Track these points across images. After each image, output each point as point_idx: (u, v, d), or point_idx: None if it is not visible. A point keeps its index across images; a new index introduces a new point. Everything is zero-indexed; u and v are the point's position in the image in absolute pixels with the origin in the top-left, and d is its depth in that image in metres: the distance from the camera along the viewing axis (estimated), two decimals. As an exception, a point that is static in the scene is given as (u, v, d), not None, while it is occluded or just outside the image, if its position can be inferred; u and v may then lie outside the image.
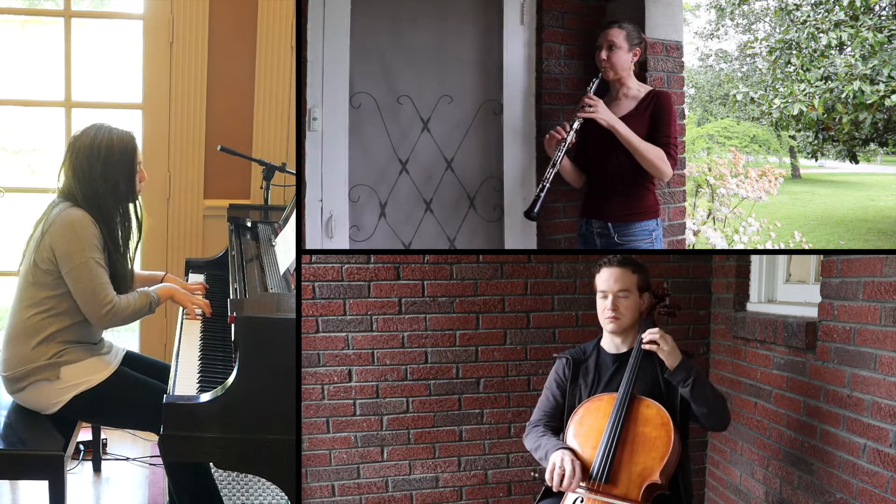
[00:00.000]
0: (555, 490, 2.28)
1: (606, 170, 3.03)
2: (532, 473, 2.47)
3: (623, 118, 2.97)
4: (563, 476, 2.26)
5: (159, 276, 3.39)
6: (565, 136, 2.95)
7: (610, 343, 2.51)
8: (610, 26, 3.03)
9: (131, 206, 3.07)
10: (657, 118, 2.97)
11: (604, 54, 3.00)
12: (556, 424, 2.52)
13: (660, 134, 2.96)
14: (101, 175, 2.94)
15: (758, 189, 6.24)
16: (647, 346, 2.36)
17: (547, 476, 2.29)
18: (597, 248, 3.11)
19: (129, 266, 3.10)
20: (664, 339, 2.34)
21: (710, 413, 2.39)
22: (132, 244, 3.10)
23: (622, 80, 3.04)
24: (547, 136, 3.04)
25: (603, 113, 2.94)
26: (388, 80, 3.08)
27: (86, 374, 2.95)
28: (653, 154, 2.92)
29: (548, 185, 2.94)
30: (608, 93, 3.09)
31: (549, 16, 3.23)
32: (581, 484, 2.26)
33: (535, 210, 2.93)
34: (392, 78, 3.09)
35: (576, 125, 2.96)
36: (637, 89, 3.04)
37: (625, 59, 3.00)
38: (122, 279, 3.02)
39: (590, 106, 2.94)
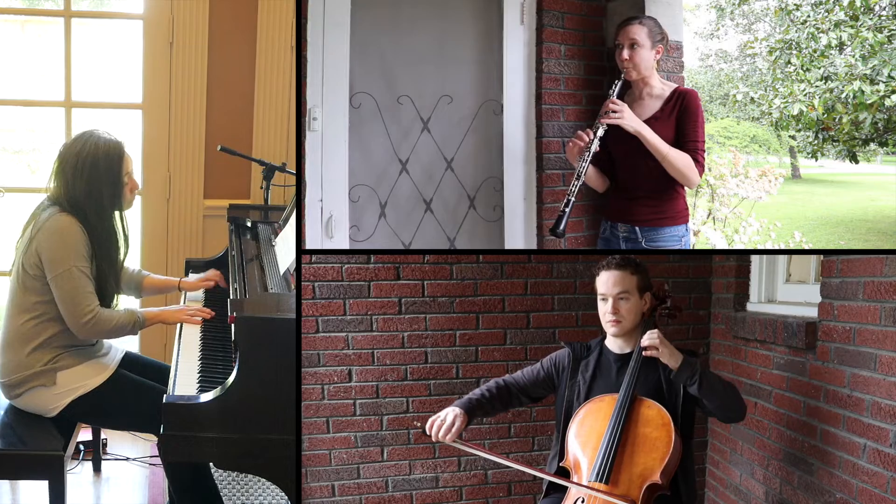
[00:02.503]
0: (433, 440, 2.34)
1: (634, 173, 2.93)
2: (415, 423, 2.53)
3: (648, 120, 2.87)
4: (440, 427, 2.33)
5: (175, 282, 3.37)
6: (588, 143, 2.85)
7: (613, 343, 2.51)
8: (630, 23, 2.88)
9: (117, 215, 3.04)
10: (683, 121, 2.86)
11: (626, 54, 2.86)
12: (516, 394, 2.56)
13: (687, 139, 2.85)
14: (85, 187, 2.92)
15: (758, 189, 6.23)
16: (646, 353, 2.35)
17: (427, 424, 2.36)
18: (599, 249, 3.09)
19: (116, 277, 3.08)
20: (662, 343, 2.33)
21: (723, 406, 2.40)
22: (119, 256, 3.07)
23: (645, 79, 2.91)
24: (569, 143, 2.93)
25: (629, 119, 2.81)
26: (388, 80, 3.08)
27: (82, 379, 2.95)
28: (681, 162, 2.82)
29: (573, 199, 2.84)
30: (630, 92, 2.99)
31: (549, 16, 3.23)
32: (457, 440, 2.33)
33: (562, 227, 2.83)
34: (392, 78, 3.09)
35: (600, 132, 2.85)
36: (661, 88, 2.93)
37: (648, 58, 2.87)
38: (106, 290, 3.00)
39: (615, 112, 2.82)
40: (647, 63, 2.89)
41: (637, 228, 2.98)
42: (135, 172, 3.08)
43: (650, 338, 2.35)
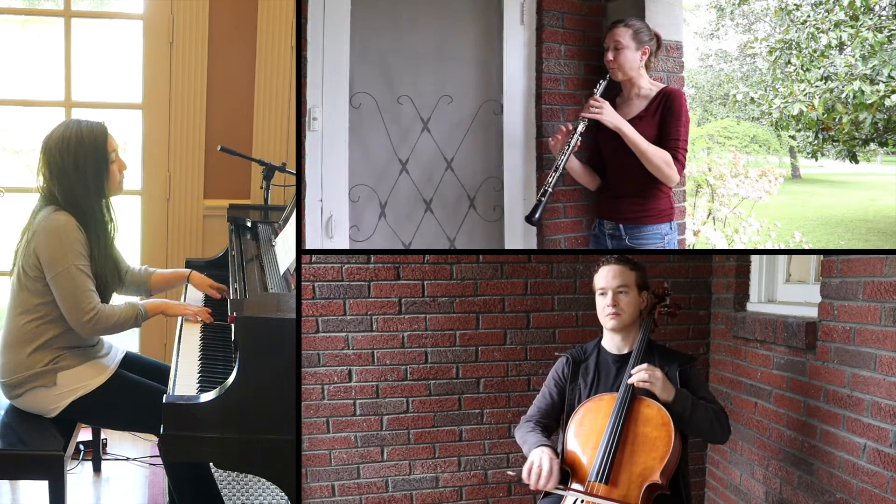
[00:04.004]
0: (532, 488, 2.28)
1: (621, 171, 3.00)
2: (508, 472, 2.47)
3: (633, 119, 2.93)
4: (539, 474, 2.26)
5: (185, 273, 3.36)
6: (568, 136, 2.92)
7: (611, 343, 2.51)
8: (615, 26, 2.97)
9: (104, 201, 3.01)
10: (666, 119, 2.92)
11: (610, 55, 2.96)
12: (549, 422, 2.52)
13: (668, 137, 2.91)
14: (73, 167, 2.89)
15: (758, 189, 6.24)
16: (638, 385, 2.32)
17: (524, 474, 2.29)
18: (599, 249, 3.10)
19: (115, 264, 3.07)
20: (653, 376, 2.31)
21: (705, 437, 2.45)
22: (110, 239, 3.04)
23: (632, 80, 2.99)
24: (551, 139, 3.01)
25: (608, 115, 2.89)
26: (388, 80, 3.08)
27: (83, 380, 2.94)
28: (658, 159, 2.88)
29: (550, 189, 2.91)
30: (620, 93, 3.06)
31: (549, 16, 3.23)
32: (559, 485, 2.26)
33: (537, 215, 2.91)
34: (392, 78, 3.09)
35: (580, 127, 2.93)
36: (649, 88, 3.00)
37: (632, 59, 2.96)
38: (108, 279, 2.99)
39: (595, 108, 2.90)
40: (632, 64, 2.97)
41: (621, 226, 3.04)
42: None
43: (639, 374, 2.32)
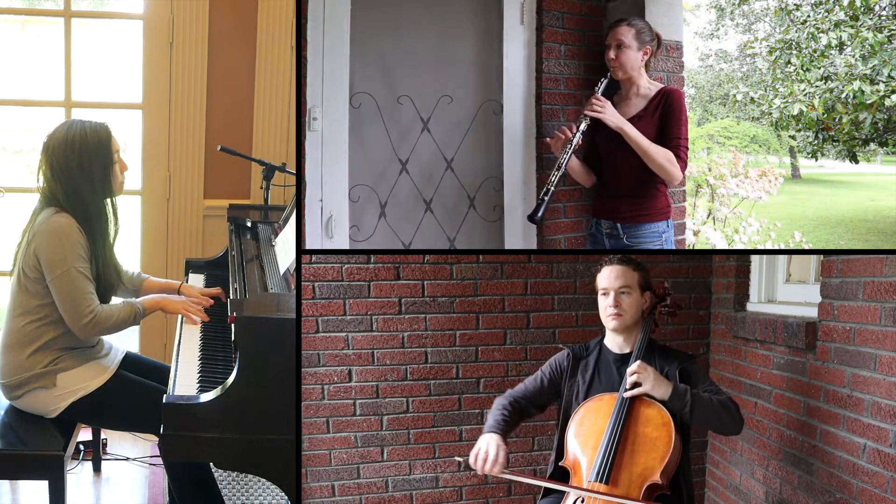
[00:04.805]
0: (479, 473, 2.30)
1: (617, 170, 3.01)
2: (457, 458, 2.49)
3: (632, 118, 2.94)
4: (485, 460, 2.28)
5: (175, 285, 3.36)
6: (571, 137, 2.93)
7: (613, 342, 2.51)
8: (618, 24, 2.97)
9: (109, 201, 3.01)
10: (667, 118, 2.92)
11: (612, 54, 2.96)
12: (527, 405, 2.53)
13: (670, 136, 2.91)
14: (78, 167, 2.89)
15: (758, 189, 6.25)
16: (629, 394, 2.32)
17: (471, 459, 2.31)
18: (600, 249, 3.10)
19: (115, 264, 3.07)
20: (644, 377, 2.31)
21: (715, 428, 2.43)
22: (111, 239, 3.04)
23: (632, 79, 3.00)
24: (553, 138, 3.02)
25: (610, 115, 2.90)
26: (388, 80, 3.08)
27: (82, 381, 2.94)
28: (661, 157, 2.88)
29: (552, 188, 2.92)
30: (618, 91, 3.06)
31: (549, 16, 3.23)
32: (504, 470, 2.28)
33: (539, 214, 2.91)
34: (392, 78, 3.09)
35: (582, 126, 2.93)
36: (648, 87, 3.00)
37: (634, 59, 2.96)
38: (109, 279, 2.99)
39: (597, 106, 2.90)
40: (633, 63, 2.97)
41: (619, 225, 3.04)
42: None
43: (632, 372, 2.33)
